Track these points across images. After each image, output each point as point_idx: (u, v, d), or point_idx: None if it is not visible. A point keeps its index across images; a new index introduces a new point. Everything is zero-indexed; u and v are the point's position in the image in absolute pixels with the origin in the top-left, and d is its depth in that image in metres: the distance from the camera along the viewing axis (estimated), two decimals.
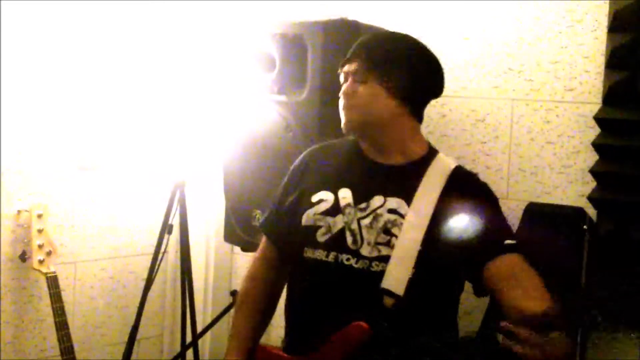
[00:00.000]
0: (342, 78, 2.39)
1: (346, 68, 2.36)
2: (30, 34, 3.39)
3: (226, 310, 3.36)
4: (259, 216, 3.05)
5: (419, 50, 2.40)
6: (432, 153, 2.41)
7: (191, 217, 3.62)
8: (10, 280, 3.45)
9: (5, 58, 3.30)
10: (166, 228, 3.54)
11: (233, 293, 3.28)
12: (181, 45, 3.84)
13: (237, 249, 3.66)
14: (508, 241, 2.24)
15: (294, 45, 2.94)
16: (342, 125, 2.37)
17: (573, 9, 2.91)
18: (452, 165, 2.37)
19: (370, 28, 2.94)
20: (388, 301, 2.18)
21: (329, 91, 2.84)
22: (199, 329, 3.58)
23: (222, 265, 3.98)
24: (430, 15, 3.22)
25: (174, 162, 3.66)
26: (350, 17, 2.92)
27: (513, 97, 3.05)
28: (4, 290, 3.43)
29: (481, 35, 3.12)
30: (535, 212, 2.90)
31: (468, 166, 2.95)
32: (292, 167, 2.56)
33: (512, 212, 2.93)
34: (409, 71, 2.33)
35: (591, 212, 2.79)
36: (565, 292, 2.14)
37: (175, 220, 3.57)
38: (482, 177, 2.88)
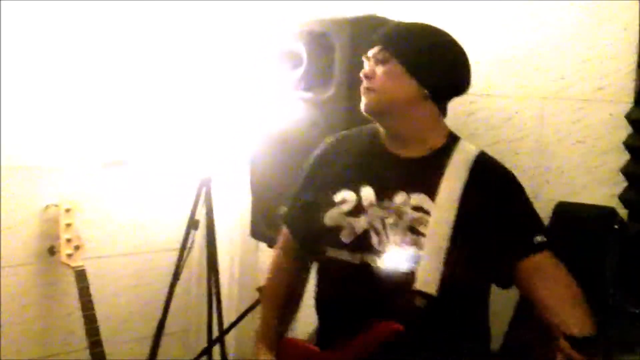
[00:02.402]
0: (365, 65, 2.35)
1: (368, 53, 2.34)
2: (57, 31, 3.41)
3: (252, 306, 3.37)
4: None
5: (444, 38, 2.36)
6: (453, 141, 2.36)
7: (217, 213, 3.63)
8: (38, 275, 3.48)
9: (31, 55, 3.33)
10: (192, 224, 3.55)
11: (259, 289, 3.28)
12: (209, 43, 3.84)
13: (263, 245, 3.66)
14: (538, 238, 2.21)
15: (321, 42, 2.94)
16: (362, 106, 2.33)
17: (603, 7, 2.87)
18: (475, 152, 2.32)
19: None
20: (420, 301, 2.14)
21: (355, 88, 2.83)
22: (225, 324, 3.59)
23: (248, 261, 3.98)
24: (458, 13, 3.20)
25: (201, 158, 3.67)
26: (378, 14, 2.91)
27: (542, 95, 3.02)
28: (32, 285, 3.47)
29: (509, 34, 3.10)
30: (565, 212, 2.87)
31: None
32: (311, 160, 2.53)
33: (541, 211, 2.89)
34: (431, 54, 2.30)
35: (622, 212, 2.76)
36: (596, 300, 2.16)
37: (201, 216, 3.58)
38: None
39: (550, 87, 3.00)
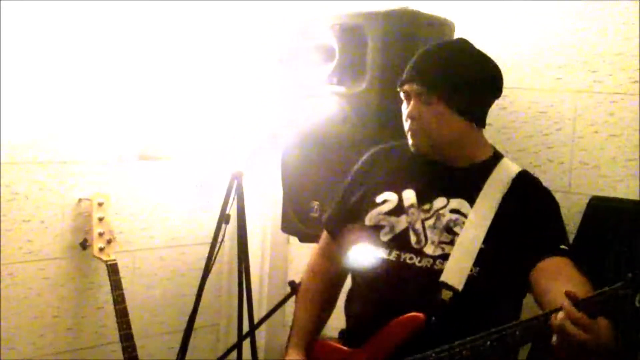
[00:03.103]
0: (402, 95, 2.38)
1: (407, 87, 2.34)
2: (96, 25, 3.43)
3: (283, 300, 3.35)
4: (316, 207, 3.06)
5: (477, 60, 2.39)
6: (496, 157, 2.42)
7: (248, 207, 3.63)
8: (70, 268, 3.51)
9: (67, 48, 3.35)
10: (224, 218, 3.56)
11: (291, 283, 3.27)
12: (243, 37, 3.84)
13: (294, 239, 3.67)
14: (563, 246, 2.23)
15: (354, 35, 2.93)
16: (410, 146, 2.37)
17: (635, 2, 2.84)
18: (516, 170, 2.38)
19: (430, 18, 2.93)
20: (446, 294, 2.18)
21: (388, 82, 2.83)
22: (255, 319, 3.59)
23: (279, 255, 3.99)
24: (491, 6, 3.18)
25: (232, 152, 3.67)
26: (411, 7, 2.90)
27: (576, 89, 2.99)
28: (65, 278, 3.49)
29: (543, 27, 3.07)
30: (599, 206, 2.86)
31: (530, 159, 2.95)
32: (356, 167, 2.59)
33: (575, 205, 2.88)
34: (471, 86, 2.33)
35: None
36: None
37: (232, 210, 3.58)
38: (544, 169, 2.87)
39: (583, 81, 2.98)
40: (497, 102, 2.98)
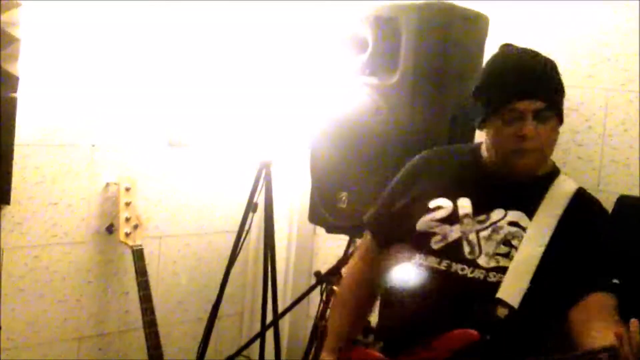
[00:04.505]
0: (505, 114, 2.25)
1: (523, 105, 2.22)
2: (126, 12, 3.44)
3: (307, 291, 3.37)
4: (344, 198, 3.06)
5: (557, 68, 2.37)
6: (555, 171, 2.40)
7: (276, 196, 3.64)
8: (96, 253, 3.52)
9: (100, 33, 3.36)
10: (251, 206, 3.57)
11: (316, 274, 3.29)
12: (275, 26, 3.84)
13: (320, 230, 3.67)
14: (611, 280, 2.20)
15: (388, 27, 2.93)
16: (518, 166, 2.29)
17: None
18: (575, 187, 2.36)
19: (465, 12, 2.92)
20: (501, 311, 2.13)
21: (421, 75, 2.84)
22: (280, 309, 3.60)
23: (305, 245, 3.99)
24: (525, 1, 3.17)
25: (262, 141, 3.69)
26: (446, 0, 2.90)
27: (607, 87, 2.98)
28: (91, 262, 3.51)
29: (576, 23, 3.05)
30: (627, 205, 2.83)
31: (560, 156, 2.93)
32: (404, 170, 2.55)
33: (605, 203, 2.86)
34: (563, 94, 2.34)
35: None
36: None
37: (260, 199, 3.59)
38: (574, 167, 2.85)
39: (616, 79, 2.96)
40: None
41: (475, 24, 2.96)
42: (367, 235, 2.61)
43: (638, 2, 2.85)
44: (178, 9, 3.61)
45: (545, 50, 2.93)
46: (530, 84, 2.25)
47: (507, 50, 2.39)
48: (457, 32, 2.87)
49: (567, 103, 2.97)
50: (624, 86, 2.94)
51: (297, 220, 3.92)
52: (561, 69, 2.91)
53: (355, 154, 3.02)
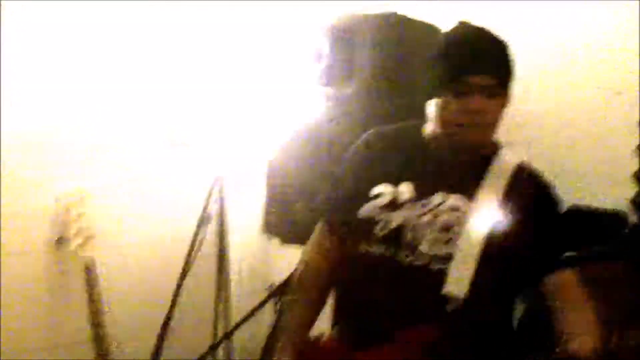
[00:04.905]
0: (455, 87, 2.23)
1: (474, 79, 2.21)
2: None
3: (262, 303, 3.35)
4: (301, 208, 3.05)
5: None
6: (497, 147, 2.37)
7: (230, 208, 3.63)
8: (47, 264, 3.46)
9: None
10: (204, 218, 3.55)
11: (270, 287, 3.28)
12: (232, 36, 3.83)
13: (274, 241, 3.65)
14: (568, 254, 2.24)
15: (343, 38, 2.95)
16: (465, 141, 2.28)
17: (624, 14, 2.87)
18: (516, 161, 2.33)
19: (418, 23, 2.96)
20: (450, 302, 2.13)
21: (376, 85, 2.86)
22: (234, 321, 3.57)
23: (259, 258, 3.97)
24: (478, 12, 3.19)
25: (215, 153, 3.67)
26: (400, 12, 2.93)
27: (564, 100, 3.03)
28: (41, 274, 3.46)
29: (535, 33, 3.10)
30: (577, 216, 2.87)
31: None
32: (351, 153, 2.51)
33: None
34: (513, 76, 2.31)
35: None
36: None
37: (213, 211, 3.57)
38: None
39: (571, 92, 3.01)
40: None
41: (429, 35, 2.98)
42: (321, 225, 2.56)
43: (638, 2, 2.85)
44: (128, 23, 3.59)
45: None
46: (483, 59, 2.25)
47: (464, 27, 2.39)
48: (411, 43, 2.89)
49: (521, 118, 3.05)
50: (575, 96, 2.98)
51: (252, 232, 3.87)
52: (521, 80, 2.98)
53: (312, 164, 3.01)
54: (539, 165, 2.93)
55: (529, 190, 2.28)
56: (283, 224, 3.17)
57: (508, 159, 2.33)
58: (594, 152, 2.95)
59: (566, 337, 2.07)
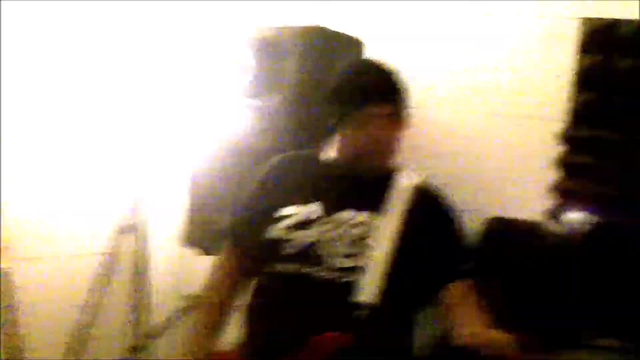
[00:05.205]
0: (355, 118, 2.33)
1: (376, 109, 2.32)
2: None
3: (180, 314, 3.34)
4: (221, 220, 3.04)
5: None
6: (397, 168, 2.47)
7: (150, 219, 3.59)
8: None
9: None
10: (123, 229, 3.51)
11: (190, 298, 3.26)
12: (158, 46, 3.79)
13: (195, 253, 3.62)
14: (465, 266, 2.38)
15: (270, 50, 2.96)
16: (367, 168, 2.39)
17: (545, 27, 2.96)
18: (416, 180, 2.45)
19: (344, 37, 3.00)
20: (361, 312, 2.20)
21: (302, 97, 2.88)
22: (152, 332, 3.54)
23: (178, 269, 3.93)
24: (399, 26, 3.26)
25: (136, 163, 3.62)
26: (328, 25, 2.97)
27: (482, 110, 3.09)
28: None
29: (453, 49, 3.16)
30: (498, 227, 2.94)
31: (435, 177, 3.00)
32: (259, 177, 2.55)
33: (476, 225, 2.95)
34: (407, 101, 2.42)
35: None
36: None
37: (133, 222, 3.53)
38: (448, 189, 2.93)
39: (491, 103, 3.08)
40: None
41: (354, 49, 3.03)
42: (226, 246, 2.59)
43: (638, 2, 2.86)
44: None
45: (421, 72, 3.04)
46: (384, 89, 2.36)
47: (359, 59, 2.61)
48: (337, 56, 2.92)
49: (444, 125, 3.11)
50: (499, 110, 3.06)
51: (172, 243, 3.84)
52: (439, 91, 3.04)
53: (237, 175, 3.01)
54: (460, 177, 3.06)
55: (429, 206, 2.42)
56: (204, 235, 3.15)
57: (409, 177, 2.44)
58: (513, 164, 3.03)
59: (455, 329, 2.22)
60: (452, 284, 2.32)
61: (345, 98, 2.35)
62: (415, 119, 3.08)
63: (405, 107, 2.39)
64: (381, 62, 2.44)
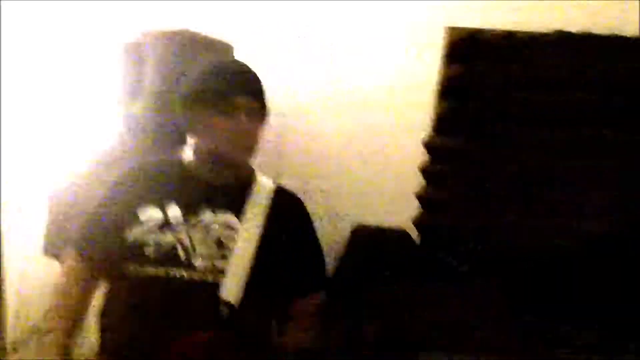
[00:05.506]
0: (222, 106, 2.34)
1: (241, 100, 2.34)
2: None
3: (39, 326, 3.22)
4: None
5: None
6: (254, 171, 2.52)
7: (7, 228, 3.46)
8: None
9: None
10: None
11: (47, 311, 3.15)
12: (24, 53, 3.66)
13: (56, 263, 3.52)
14: (316, 280, 2.52)
15: (133, 54, 2.92)
16: (226, 163, 2.40)
17: (410, 35, 3.01)
18: (274, 185, 2.50)
19: (210, 40, 2.97)
20: (225, 311, 2.23)
21: (165, 102, 2.82)
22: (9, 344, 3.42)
23: (38, 279, 3.81)
24: (276, 32, 3.25)
25: None
26: (191, 28, 2.93)
27: (348, 118, 3.10)
28: None
29: (321, 59, 3.18)
30: (363, 234, 2.95)
31: (299, 185, 2.99)
32: (111, 184, 2.51)
33: (340, 233, 2.95)
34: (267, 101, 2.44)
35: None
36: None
37: None
38: (313, 197, 2.94)
39: (357, 111, 3.09)
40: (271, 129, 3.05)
41: (221, 51, 3.01)
42: (72, 255, 2.52)
43: (638, 2, 2.87)
44: None
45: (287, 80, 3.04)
46: (249, 82, 2.39)
47: (220, 59, 2.65)
48: (201, 60, 2.87)
49: (310, 132, 3.11)
50: (365, 119, 3.08)
51: (31, 252, 3.72)
52: (302, 99, 3.04)
53: (97, 182, 2.93)
54: (325, 184, 3.06)
55: (288, 213, 2.47)
56: (66, 244, 3.06)
57: (267, 182, 2.50)
58: (378, 173, 3.05)
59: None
60: (299, 299, 2.45)
61: (215, 85, 2.35)
62: (280, 126, 3.13)
63: (266, 107, 2.42)
64: (242, 61, 2.48)
